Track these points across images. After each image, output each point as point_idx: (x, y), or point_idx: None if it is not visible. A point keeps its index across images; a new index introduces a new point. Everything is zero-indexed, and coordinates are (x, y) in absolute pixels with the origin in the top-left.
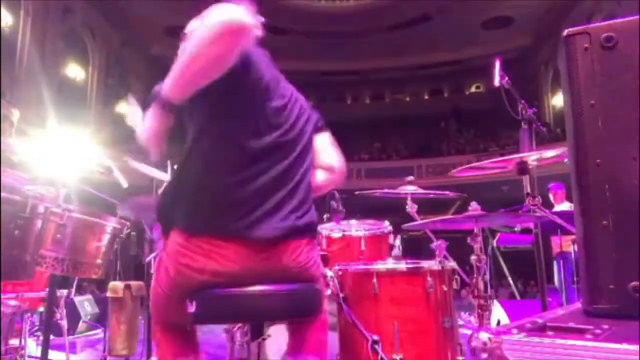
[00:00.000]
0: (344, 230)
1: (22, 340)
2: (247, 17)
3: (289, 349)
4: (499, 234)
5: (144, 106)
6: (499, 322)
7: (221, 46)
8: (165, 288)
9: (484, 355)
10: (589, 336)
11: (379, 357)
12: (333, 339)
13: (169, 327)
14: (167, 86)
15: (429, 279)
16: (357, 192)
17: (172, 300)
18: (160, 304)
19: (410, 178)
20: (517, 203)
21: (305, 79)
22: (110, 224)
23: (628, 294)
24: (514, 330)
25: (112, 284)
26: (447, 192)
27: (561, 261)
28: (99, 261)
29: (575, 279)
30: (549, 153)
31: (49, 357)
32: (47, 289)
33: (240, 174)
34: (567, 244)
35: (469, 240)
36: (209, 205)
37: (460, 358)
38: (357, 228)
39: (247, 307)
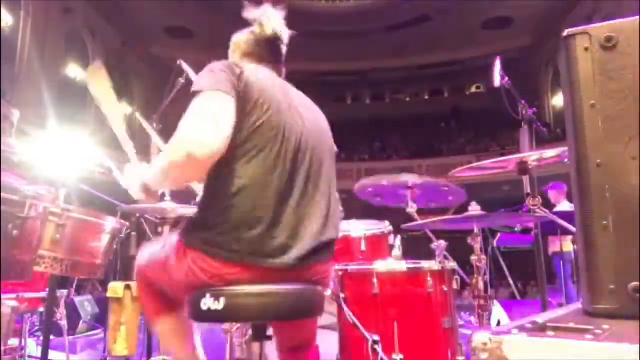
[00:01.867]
0: (344, 230)
1: (22, 340)
2: (206, 139)
3: None
4: (499, 234)
5: None
6: (499, 322)
7: (178, 173)
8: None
9: (484, 355)
10: (589, 336)
11: (379, 357)
12: (333, 339)
13: (153, 290)
14: (148, 177)
15: (429, 279)
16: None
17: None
18: (158, 276)
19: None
20: (517, 203)
21: (305, 79)
22: (110, 224)
23: (628, 294)
24: (514, 330)
25: (112, 284)
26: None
27: (560, 260)
28: (98, 261)
29: (574, 278)
30: (549, 153)
31: (49, 357)
32: (47, 289)
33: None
34: (567, 244)
35: (469, 240)
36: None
37: (460, 358)
38: (357, 228)
39: (249, 307)
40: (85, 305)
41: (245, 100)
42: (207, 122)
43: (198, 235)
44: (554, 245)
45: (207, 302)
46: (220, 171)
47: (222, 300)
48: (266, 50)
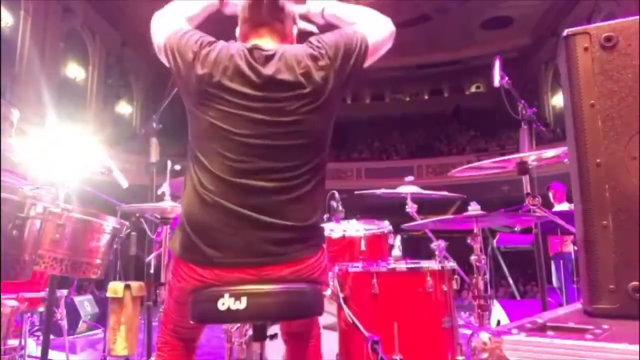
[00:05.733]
0: (344, 230)
1: (22, 340)
2: None
3: None
4: (499, 234)
5: None
6: (499, 322)
7: None
8: (170, 293)
9: (484, 355)
10: (589, 336)
11: (379, 357)
12: (333, 339)
13: (177, 335)
14: None
15: (429, 279)
16: (357, 192)
17: (176, 305)
18: (168, 309)
19: (410, 178)
20: (517, 203)
21: None
22: (110, 224)
23: (628, 294)
24: (514, 330)
25: (112, 284)
26: (445, 192)
27: (560, 262)
28: (98, 261)
29: (575, 278)
30: (549, 153)
31: (49, 357)
32: (47, 289)
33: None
34: (567, 244)
35: (469, 240)
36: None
37: (460, 358)
38: (357, 228)
39: (247, 307)
40: (85, 305)
41: None
42: None
43: None
44: (554, 246)
45: (227, 302)
46: None
47: (244, 300)
48: (259, 11)
